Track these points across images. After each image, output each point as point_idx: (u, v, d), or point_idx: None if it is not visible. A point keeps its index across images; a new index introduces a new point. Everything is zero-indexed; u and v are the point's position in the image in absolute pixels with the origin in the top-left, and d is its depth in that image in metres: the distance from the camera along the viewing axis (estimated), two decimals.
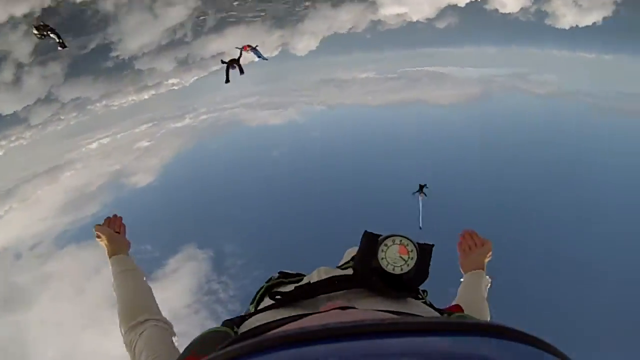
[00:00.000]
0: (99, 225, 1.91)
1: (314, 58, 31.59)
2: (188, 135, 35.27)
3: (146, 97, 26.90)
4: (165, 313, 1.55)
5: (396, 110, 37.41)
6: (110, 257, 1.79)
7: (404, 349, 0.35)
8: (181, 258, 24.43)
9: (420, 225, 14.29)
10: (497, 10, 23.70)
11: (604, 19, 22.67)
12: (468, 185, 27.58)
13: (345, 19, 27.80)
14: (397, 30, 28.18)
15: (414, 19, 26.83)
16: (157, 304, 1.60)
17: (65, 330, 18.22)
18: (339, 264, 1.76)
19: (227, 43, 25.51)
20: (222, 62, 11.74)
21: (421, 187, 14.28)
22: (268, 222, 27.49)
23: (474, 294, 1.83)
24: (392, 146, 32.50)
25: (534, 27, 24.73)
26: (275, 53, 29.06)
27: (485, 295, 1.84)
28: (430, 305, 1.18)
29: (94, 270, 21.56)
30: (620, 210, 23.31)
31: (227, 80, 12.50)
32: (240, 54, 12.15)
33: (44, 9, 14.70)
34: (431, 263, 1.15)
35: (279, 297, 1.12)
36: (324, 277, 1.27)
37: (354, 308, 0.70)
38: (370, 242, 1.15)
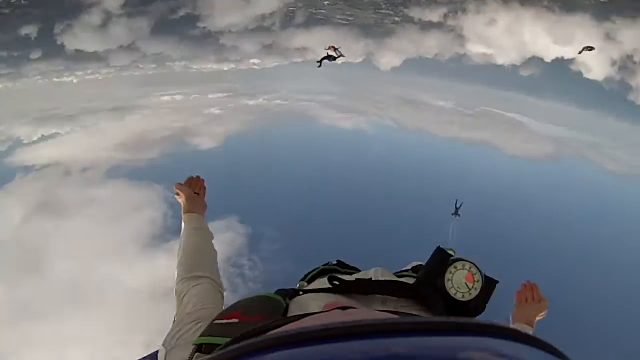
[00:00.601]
0: (180, 183, 1.91)
1: (395, 74, 31.76)
2: (258, 115, 36.32)
3: (225, 68, 28.48)
4: None
5: (464, 147, 36.31)
6: (185, 214, 1.80)
7: (404, 349, 0.35)
8: (220, 225, 25.30)
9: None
10: (581, 73, 22.54)
11: None
12: (520, 240, 26.38)
13: (431, 45, 27.81)
14: (481, 67, 27.81)
15: (499, 62, 26.33)
16: (218, 268, 1.61)
17: (86, 252, 19.98)
18: (398, 270, 1.71)
19: (312, 39, 26.66)
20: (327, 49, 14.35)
21: (457, 208, 14.10)
22: (312, 220, 27.64)
23: None
24: (450, 180, 31.73)
25: (615, 97, 23.17)
26: (359, 60, 29.76)
27: None
28: None
29: (133, 210, 23.22)
30: None
31: (319, 64, 16.05)
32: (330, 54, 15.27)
33: None
34: (490, 299, 1.13)
35: (336, 282, 1.11)
36: (380, 277, 1.26)
37: (353, 308, 0.70)
38: (440, 260, 1.14)
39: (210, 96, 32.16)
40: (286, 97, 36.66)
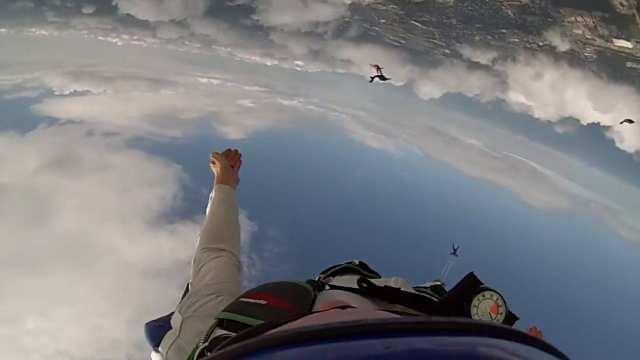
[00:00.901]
0: (217, 152, 1.90)
1: (432, 105, 31.55)
2: (291, 116, 36.27)
3: (268, 64, 28.41)
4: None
5: (484, 187, 36.02)
6: (217, 184, 1.78)
7: (405, 349, 0.35)
8: None
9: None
10: (614, 141, 22.12)
11: None
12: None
13: (474, 84, 27.53)
14: (518, 116, 27.58)
15: (536, 115, 26.07)
16: (240, 245, 1.61)
17: (92, 215, 19.95)
18: (416, 286, 1.66)
19: (360, 54, 26.54)
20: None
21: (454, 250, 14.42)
22: (319, 229, 27.46)
23: None
24: (467, 219, 31.40)
25: None
26: (400, 84, 29.52)
27: None
28: None
29: (146, 184, 23.14)
30: None
31: (371, 80, 16.16)
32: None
33: None
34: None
35: (365, 284, 1.11)
36: (401, 287, 1.25)
37: (352, 307, 0.69)
38: (471, 285, 1.12)
39: (247, 88, 32.18)
40: (321, 104, 36.56)
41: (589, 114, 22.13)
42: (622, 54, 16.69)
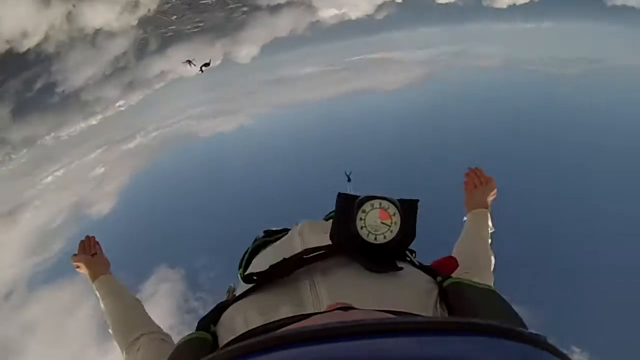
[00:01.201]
0: (74, 255, 1.86)
1: (257, 62, 31.77)
2: (141, 155, 34.01)
3: (94, 122, 26.17)
4: None
5: (344, 102, 37.82)
6: (93, 282, 1.73)
7: (404, 349, 0.36)
8: (155, 281, 23.85)
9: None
10: (434, 0, 24.76)
11: None
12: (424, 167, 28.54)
13: (285, 25, 28.27)
14: (338, 25, 28.99)
15: (353, 17, 27.83)
16: (149, 317, 1.55)
17: None
18: (327, 215, 1.61)
19: (171, 59, 25.53)
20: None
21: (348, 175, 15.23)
22: (231, 230, 27.02)
23: (474, 234, 1.72)
24: (342, 137, 33.04)
25: (472, 10, 26.23)
26: (218, 62, 29.13)
27: (488, 237, 1.71)
28: (420, 266, 1.08)
29: (75, 306, 20.95)
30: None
31: (202, 71, 17.27)
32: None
33: None
34: (417, 219, 1.01)
35: (255, 277, 1.01)
36: (306, 234, 1.22)
37: (354, 308, 0.67)
38: (346, 207, 1.02)
39: (89, 157, 29.59)
40: (161, 125, 34.83)
41: None
42: None
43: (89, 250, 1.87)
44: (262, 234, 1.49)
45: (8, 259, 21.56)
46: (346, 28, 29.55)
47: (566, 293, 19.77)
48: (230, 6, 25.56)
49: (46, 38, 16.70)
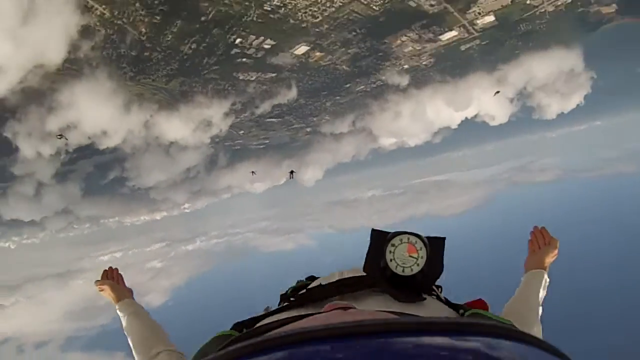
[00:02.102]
0: (99, 280, 1.97)
1: (320, 185, 32.74)
2: (200, 259, 35.17)
3: (158, 217, 27.77)
4: None
5: (407, 225, 37.32)
6: (117, 303, 1.84)
7: (403, 349, 0.36)
8: None
9: None
10: (486, 122, 25.10)
11: (585, 97, 24.12)
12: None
13: (347, 150, 29.72)
14: (396, 152, 30.34)
15: (412, 145, 28.83)
16: (167, 336, 1.63)
17: None
18: None
19: (238, 173, 27.20)
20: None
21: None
22: None
23: (525, 292, 1.72)
24: None
25: (524, 123, 26.17)
26: (283, 181, 30.29)
27: (541, 294, 1.70)
28: (446, 301, 1.10)
29: None
30: None
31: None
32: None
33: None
34: (444, 256, 1.07)
35: (292, 299, 1.07)
36: (346, 271, 1.25)
37: (354, 308, 0.68)
38: (378, 241, 1.08)
39: (148, 249, 31.02)
40: (223, 233, 36.04)
41: (454, 117, 24.99)
42: (453, 43, 19.47)
43: (112, 278, 1.99)
44: (304, 279, 1.47)
45: (50, 315, 22.38)
46: (405, 153, 30.47)
47: None
48: (295, 126, 27.18)
49: (124, 140, 18.62)
